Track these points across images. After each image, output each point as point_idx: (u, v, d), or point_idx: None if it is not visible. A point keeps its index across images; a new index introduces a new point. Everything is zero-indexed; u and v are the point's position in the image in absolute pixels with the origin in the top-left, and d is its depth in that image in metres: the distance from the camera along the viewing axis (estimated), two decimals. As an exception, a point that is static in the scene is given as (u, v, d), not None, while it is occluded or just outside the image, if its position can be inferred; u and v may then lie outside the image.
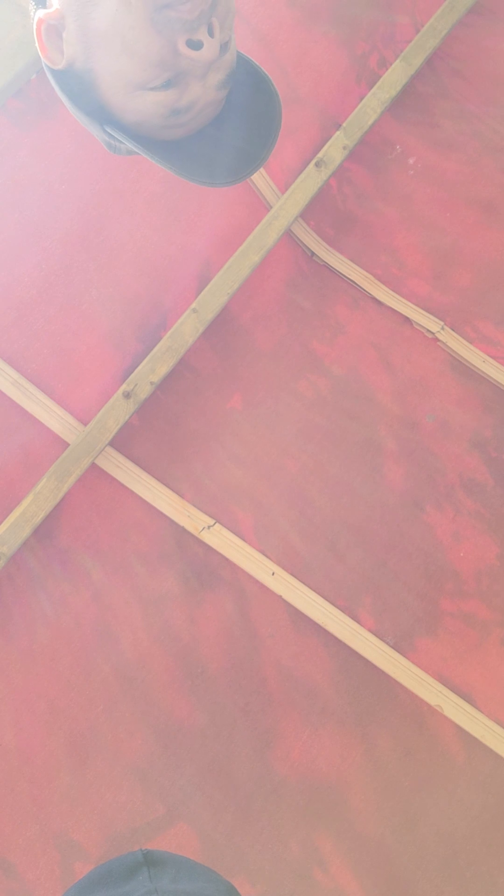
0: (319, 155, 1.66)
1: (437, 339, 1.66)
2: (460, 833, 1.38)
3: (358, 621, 1.45)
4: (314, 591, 1.46)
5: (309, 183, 1.64)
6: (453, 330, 1.67)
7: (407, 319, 1.68)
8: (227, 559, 1.45)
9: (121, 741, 1.35)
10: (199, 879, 0.73)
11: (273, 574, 1.45)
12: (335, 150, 1.68)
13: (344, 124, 1.70)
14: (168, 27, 0.69)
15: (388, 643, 1.45)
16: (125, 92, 0.75)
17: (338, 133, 1.69)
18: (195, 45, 0.71)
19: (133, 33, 0.70)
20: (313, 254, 1.69)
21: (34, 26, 0.76)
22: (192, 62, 0.72)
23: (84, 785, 1.32)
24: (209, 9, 0.70)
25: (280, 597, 1.45)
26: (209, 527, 1.45)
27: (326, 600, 1.45)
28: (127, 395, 1.44)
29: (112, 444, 1.45)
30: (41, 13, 0.75)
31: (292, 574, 1.46)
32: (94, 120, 0.81)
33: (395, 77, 1.74)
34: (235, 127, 0.82)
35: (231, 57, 0.78)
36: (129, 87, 0.75)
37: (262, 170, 1.61)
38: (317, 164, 1.65)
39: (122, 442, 1.47)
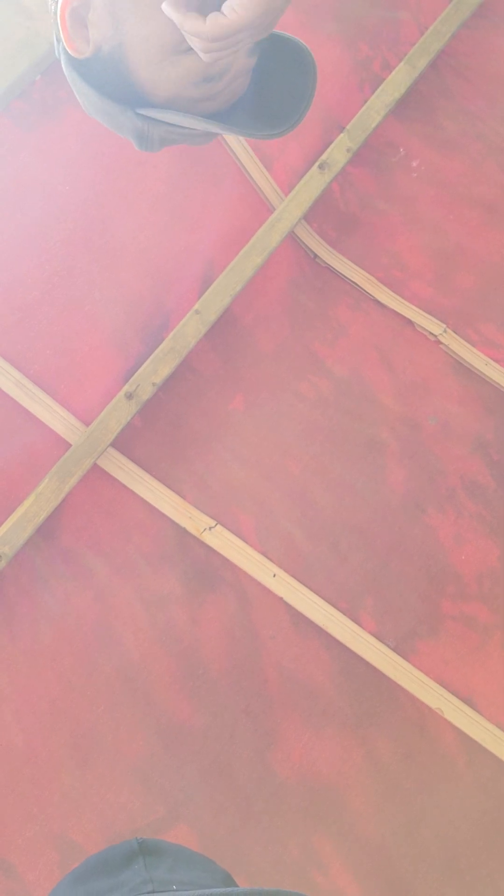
0: (323, 157, 1.66)
1: (439, 342, 1.66)
2: (461, 836, 1.38)
3: (359, 623, 1.45)
4: (315, 592, 1.46)
5: (312, 185, 1.64)
6: (455, 332, 1.67)
7: (409, 322, 1.68)
8: (228, 560, 1.45)
9: (122, 742, 1.35)
10: (196, 869, 0.73)
11: (274, 576, 1.45)
12: (339, 152, 1.68)
13: (347, 127, 1.70)
14: None
15: (389, 645, 1.45)
16: (158, 60, 0.74)
17: (341, 135, 1.69)
18: None
19: None
20: (316, 255, 1.69)
21: (59, 14, 0.75)
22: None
23: (85, 786, 1.32)
24: None
25: (281, 598, 1.45)
26: (211, 528, 1.46)
27: (328, 602, 1.45)
28: (129, 396, 1.44)
29: (114, 444, 1.45)
30: None
31: (294, 576, 1.46)
32: (125, 106, 0.80)
33: (398, 80, 1.74)
34: (269, 84, 0.82)
35: None
36: (162, 52, 0.74)
37: (265, 172, 1.62)
38: (320, 167, 1.65)
39: (124, 443, 1.47)
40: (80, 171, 1.46)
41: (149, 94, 0.78)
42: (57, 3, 0.77)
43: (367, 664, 1.43)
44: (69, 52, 0.78)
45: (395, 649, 1.45)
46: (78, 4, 0.74)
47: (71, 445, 1.41)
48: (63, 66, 0.82)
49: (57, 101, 1.43)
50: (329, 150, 1.67)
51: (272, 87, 0.83)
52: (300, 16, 1.67)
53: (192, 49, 0.73)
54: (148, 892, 0.66)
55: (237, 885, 0.68)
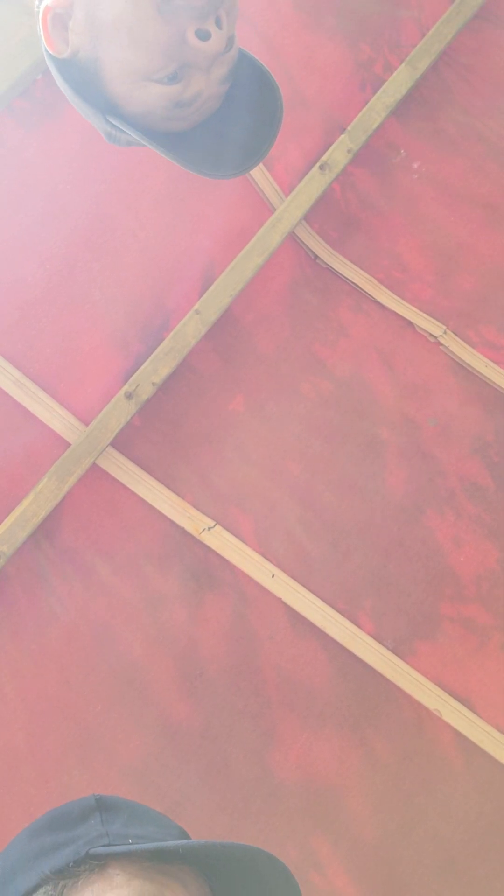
0: (324, 158, 1.66)
1: (439, 343, 1.67)
2: (458, 837, 1.38)
3: (358, 625, 1.45)
4: (314, 593, 1.46)
5: (313, 186, 1.64)
6: (456, 334, 1.67)
7: (409, 323, 1.68)
8: (227, 561, 1.45)
9: (120, 742, 1.35)
10: (151, 824, 0.74)
11: (273, 576, 1.45)
12: (339, 153, 1.68)
13: (348, 128, 1.70)
14: (176, 16, 0.70)
15: (387, 647, 1.45)
16: (130, 82, 0.76)
17: (342, 136, 1.69)
18: (203, 36, 0.71)
19: (141, 23, 0.70)
20: (316, 256, 1.69)
21: (40, 14, 0.76)
22: (199, 53, 0.72)
23: (82, 785, 1.32)
24: None
25: (280, 599, 1.45)
26: (210, 528, 1.45)
27: (326, 603, 1.45)
28: (129, 396, 1.44)
29: (113, 444, 1.45)
30: (49, 1, 0.75)
31: (292, 576, 1.46)
32: (98, 110, 0.81)
33: (400, 81, 1.74)
34: (237, 120, 0.83)
35: (235, 52, 0.78)
36: (134, 76, 0.75)
37: (266, 172, 1.62)
38: (321, 167, 1.66)
39: (124, 442, 1.47)
40: (82, 171, 1.46)
41: (120, 106, 0.80)
42: (41, 2, 0.77)
43: (366, 665, 1.43)
44: (46, 49, 0.79)
45: (393, 650, 1.45)
46: (61, 11, 0.75)
47: (70, 445, 1.40)
48: (45, 57, 0.83)
49: (59, 100, 1.43)
50: (330, 150, 1.67)
51: (238, 120, 0.84)
52: (302, 16, 1.67)
53: (164, 79, 0.74)
54: (103, 846, 0.67)
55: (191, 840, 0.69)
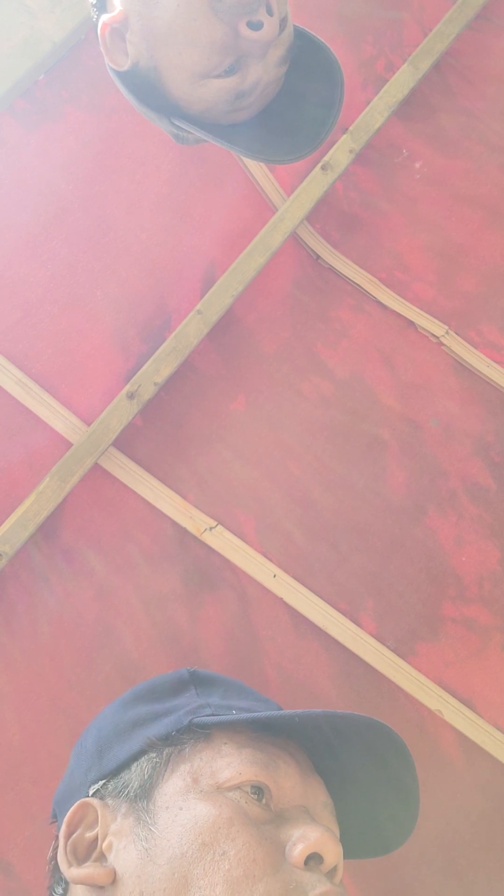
0: (325, 158, 1.66)
1: (441, 343, 1.66)
2: (459, 837, 1.38)
3: (359, 625, 1.45)
4: (315, 593, 1.46)
5: (315, 186, 1.64)
6: (458, 334, 1.67)
7: (411, 323, 1.68)
8: (228, 561, 1.45)
9: (120, 742, 1.35)
10: (248, 698, 0.72)
11: (274, 576, 1.45)
12: (341, 153, 1.68)
13: (350, 128, 1.70)
14: (228, 13, 0.72)
15: (389, 647, 1.45)
16: (190, 83, 0.77)
17: (344, 136, 1.69)
18: (255, 26, 0.73)
19: (195, 24, 0.72)
20: (318, 256, 1.69)
21: (98, 31, 0.78)
22: (253, 43, 0.74)
23: (83, 785, 1.32)
24: None
25: (281, 599, 1.45)
26: (211, 528, 1.45)
27: (328, 603, 1.45)
28: (130, 396, 1.44)
29: (115, 444, 1.45)
30: (105, 17, 0.77)
31: (294, 576, 1.46)
32: (162, 115, 0.84)
33: (402, 81, 1.74)
34: (299, 98, 0.85)
35: (289, 32, 0.80)
36: (193, 77, 0.77)
37: (268, 172, 1.62)
38: (323, 168, 1.66)
39: (126, 442, 1.47)
40: (83, 171, 1.46)
41: (184, 108, 0.82)
42: (98, 17, 0.79)
43: (367, 665, 1.43)
44: (108, 63, 0.81)
45: (394, 651, 1.45)
46: (117, 26, 0.77)
47: (72, 445, 1.41)
48: (108, 71, 0.84)
49: (59, 100, 1.43)
50: (332, 151, 1.67)
51: (301, 98, 0.85)
52: (304, 16, 1.67)
53: (223, 73, 0.76)
54: (207, 716, 0.66)
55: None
